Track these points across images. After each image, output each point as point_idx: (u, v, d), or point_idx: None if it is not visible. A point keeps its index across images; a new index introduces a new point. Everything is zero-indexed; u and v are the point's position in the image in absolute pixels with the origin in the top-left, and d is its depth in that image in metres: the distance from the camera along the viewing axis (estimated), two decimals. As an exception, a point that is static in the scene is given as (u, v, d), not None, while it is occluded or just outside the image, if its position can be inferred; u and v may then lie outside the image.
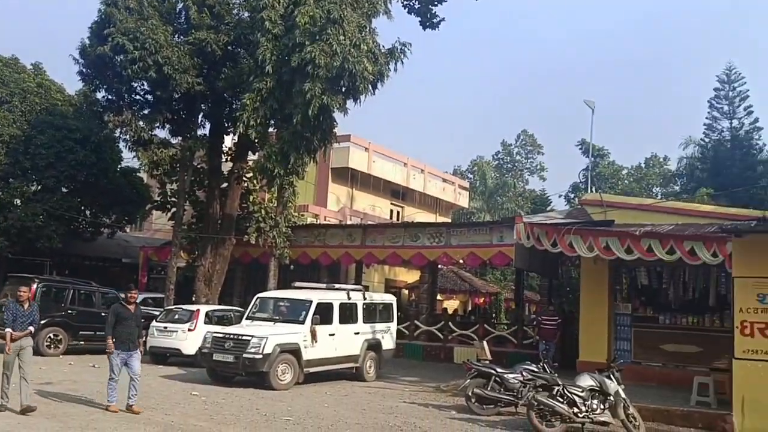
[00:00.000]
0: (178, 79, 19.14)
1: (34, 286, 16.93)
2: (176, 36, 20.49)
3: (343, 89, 18.64)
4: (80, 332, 18.06)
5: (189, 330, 17.10)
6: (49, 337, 17.40)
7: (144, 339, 10.72)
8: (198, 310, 17.89)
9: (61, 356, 17.31)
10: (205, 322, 17.24)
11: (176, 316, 17.89)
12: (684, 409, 11.99)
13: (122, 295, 11.89)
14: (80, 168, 24.11)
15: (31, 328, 9.97)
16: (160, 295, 23.28)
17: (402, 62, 19.30)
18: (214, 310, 18.50)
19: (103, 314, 18.56)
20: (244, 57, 19.77)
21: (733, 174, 40.35)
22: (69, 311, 18.01)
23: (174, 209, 24.29)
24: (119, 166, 26.72)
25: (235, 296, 25.63)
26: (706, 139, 46.71)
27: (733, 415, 11.21)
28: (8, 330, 9.70)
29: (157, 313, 19.33)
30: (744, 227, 12.24)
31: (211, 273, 22.17)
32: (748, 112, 45.19)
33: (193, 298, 21.98)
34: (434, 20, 17.31)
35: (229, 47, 20.40)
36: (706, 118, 47.22)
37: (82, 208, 26.09)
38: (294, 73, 18.36)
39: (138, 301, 11.02)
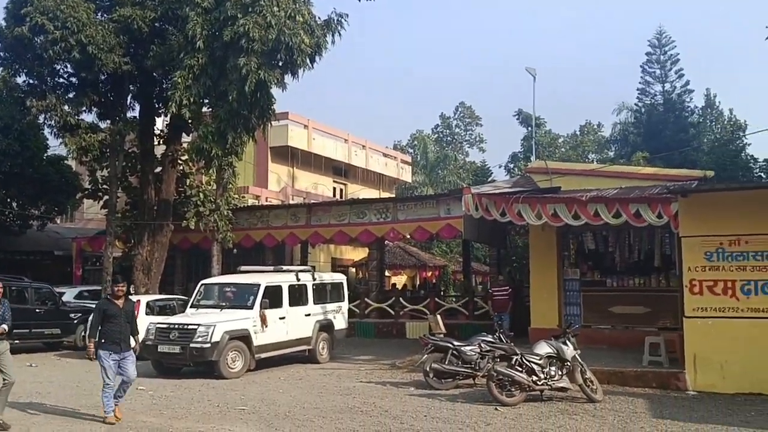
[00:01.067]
0: (104, 59, 18.08)
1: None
2: (99, 14, 19.36)
3: (280, 63, 17.99)
4: (13, 331, 17.03)
5: (130, 322, 16.37)
6: (-21, 337, 16.37)
7: (138, 336, 9.39)
8: (138, 300, 17.07)
9: (-7, 358, 16.33)
10: (147, 313, 16.58)
11: (116, 309, 17.09)
12: (638, 370, 12.16)
13: (110, 291, 10.32)
14: (3, 158, 22.71)
15: (5, 326, 8.81)
16: (97, 288, 22.35)
17: (339, 34, 18.76)
18: (156, 300, 17.84)
19: (37, 310, 17.83)
20: (173, 33, 18.75)
21: (666, 137, 41.51)
22: (0, 309, 16.97)
23: (106, 197, 23.23)
24: (45, 155, 25.33)
25: (176, 284, 24.86)
26: (640, 104, 47.85)
27: (685, 372, 11.41)
28: None
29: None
30: (689, 187, 12.41)
31: (150, 261, 21.32)
32: (679, 76, 46.47)
33: (132, 289, 21.11)
34: (368, -10, 16.84)
35: (156, 23, 19.35)
36: (639, 83, 48.38)
37: (8, 200, 24.69)
38: (227, 48, 17.58)
39: (126, 293, 9.51)
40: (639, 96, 48.15)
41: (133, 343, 9.28)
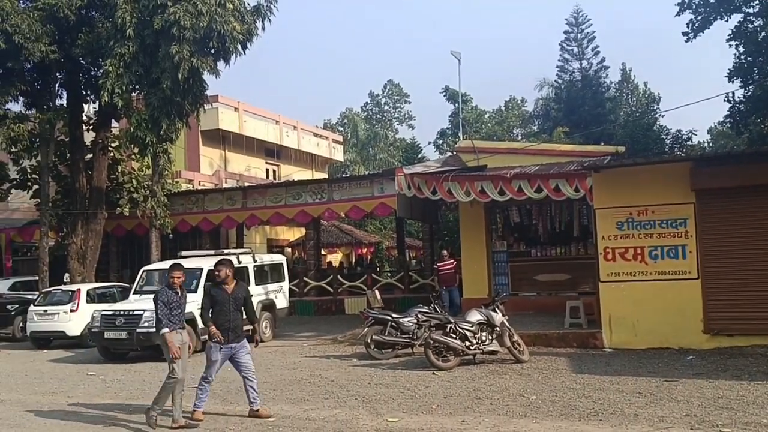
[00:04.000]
0: (31, 48, 17.80)
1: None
2: (23, 2, 18.99)
3: (212, 51, 18.18)
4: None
5: (71, 311, 16.55)
6: None
7: (257, 325, 8.76)
8: (78, 289, 17.24)
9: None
10: (87, 302, 16.73)
11: (55, 298, 17.19)
12: (559, 332, 13.25)
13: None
14: (-76, 151, 21.96)
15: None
16: (31, 278, 22.12)
17: (269, 20, 19.06)
18: (95, 288, 17.91)
19: (-28, 305, 17.63)
20: (101, 21, 18.66)
21: (585, 112, 43.38)
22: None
23: (36, 186, 22.90)
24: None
25: (111, 272, 24.83)
26: (559, 81, 49.63)
27: (602, 331, 12.58)
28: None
29: (33, 296, 18.47)
30: (601, 164, 13.50)
31: (84, 250, 21.25)
32: (596, 53, 48.45)
33: (65, 278, 21.04)
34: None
35: (83, 11, 19.12)
36: (558, 60, 50.16)
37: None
38: (158, 36, 17.65)
39: (234, 277, 8.50)
40: (558, 73, 50.02)
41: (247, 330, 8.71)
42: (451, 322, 11.32)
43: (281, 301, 17.03)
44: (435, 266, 18.17)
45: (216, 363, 8.16)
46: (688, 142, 34.10)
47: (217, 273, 8.35)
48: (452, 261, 17.35)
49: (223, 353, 8.13)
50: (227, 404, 9.14)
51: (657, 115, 37.68)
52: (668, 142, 33.20)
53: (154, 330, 13.00)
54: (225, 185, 28.08)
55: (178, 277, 8.27)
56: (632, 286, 12.44)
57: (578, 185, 13.29)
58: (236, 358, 8.22)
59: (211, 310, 8.19)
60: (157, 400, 8.00)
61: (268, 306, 16.34)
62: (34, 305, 17.09)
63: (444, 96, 54.69)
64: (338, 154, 42.99)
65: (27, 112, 20.74)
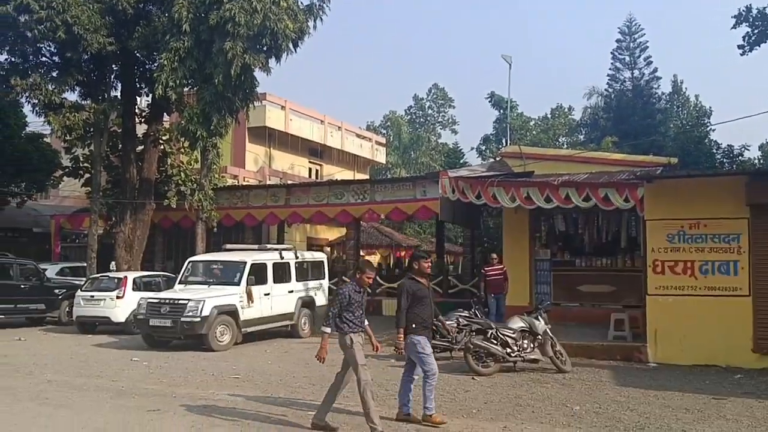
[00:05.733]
0: (89, 39, 18.26)
1: None
2: (84, -7, 19.52)
3: (265, 48, 18.42)
4: (-1, 306, 17.45)
5: (117, 297, 16.88)
6: (-33, 313, 16.77)
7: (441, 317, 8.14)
8: (125, 277, 17.60)
9: (-19, 332, 16.74)
10: (133, 289, 17.04)
11: (102, 285, 17.58)
12: (604, 344, 13.02)
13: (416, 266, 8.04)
14: (-17, 136, 22.80)
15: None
16: (78, 264, 22.68)
17: (321, 19, 19.22)
18: (141, 277, 18.24)
19: (22, 286, 18.15)
20: (158, 15, 19.05)
21: (634, 122, 42.66)
22: (-15, 285, 17.31)
23: (87, 175, 23.48)
24: (24, 132, 25.37)
25: (156, 262, 25.22)
26: (610, 89, 48.94)
27: (647, 345, 12.31)
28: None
29: (80, 282, 18.93)
30: (654, 174, 13.25)
31: (132, 239, 21.69)
32: (648, 63, 47.65)
33: (112, 266, 21.49)
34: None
35: (141, 5, 19.58)
36: (609, 68, 49.48)
37: (-13, 177, 24.72)
38: (213, 31, 17.94)
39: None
40: (609, 81, 49.34)
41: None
42: (492, 328, 11.23)
43: (320, 299, 17.12)
44: (482, 271, 16.80)
45: (431, 355, 7.62)
46: (739, 157, 33.23)
47: (425, 265, 7.87)
48: (502, 266, 16.26)
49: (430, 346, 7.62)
50: (268, 394, 9.19)
51: (708, 129, 36.81)
52: (719, 156, 32.41)
53: (198, 320, 13.41)
54: (268, 182, 28.36)
55: (370, 278, 7.65)
56: (680, 301, 12.16)
57: (628, 195, 13.06)
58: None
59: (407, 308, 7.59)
60: (367, 411, 7.22)
61: (308, 302, 16.45)
62: (81, 290, 17.50)
63: (489, 102, 54.33)
64: (380, 156, 43.08)
65: (82, 102, 21.27)
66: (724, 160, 32.10)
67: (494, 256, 16.74)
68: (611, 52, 49.03)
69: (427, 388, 7.55)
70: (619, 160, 16.92)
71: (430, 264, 8.01)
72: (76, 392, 9.29)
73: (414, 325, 7.59)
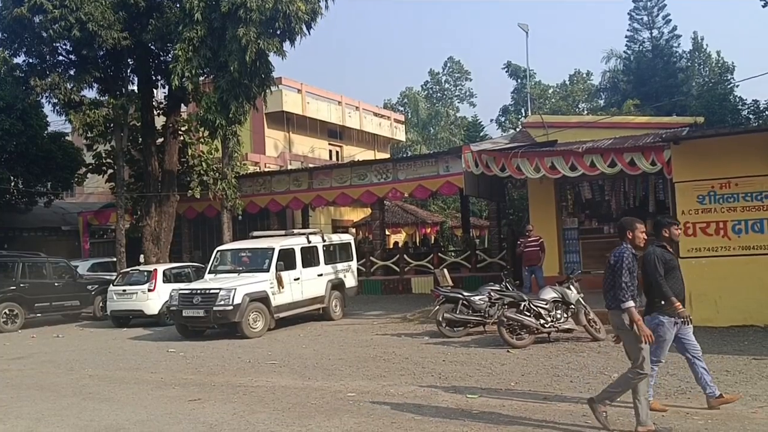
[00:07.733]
0: (104, 35, 18.34)
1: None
2: (95, -10, 19.55)
3: (278, 32, 18.30)
4: (35, 305, 17.76)
5: (149, 290, 17.09)
6: (5, 312, 17.12)
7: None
8: (155, 269, 17.79)
9: (19, 331, 17.08)
10: (164, 281, 17.25)
11: (133, 278, 17.81)
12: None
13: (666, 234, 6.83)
14: (8, 138, 23.05)
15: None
16: (107, 260, 23.02)
17: (333, -1, 19.04)
18: (171, 268, 18.43)
19: (56, 284, 18.44)
20: (170, 6, 19.05)
21: (656, 83, 41.87)
22: (21, 285, 17.61)
23: (111, 171, 23.72)
24: (46, 132, 25.66)
25: (184, 252, 25.49)
26: (628, 51, 48.02)
27: (682, 309, 12.14)
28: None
29: (111, 277, 19.20)
30: (680, 135, 12.98)
31: (158, 231, 21.91)
32: (667, 21, 46.63)
33: (141, 259, 21.75)
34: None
35: (152, -3, 19.61)
36: (627, 30, 48.51)
37: (14, 178, 25.06)
38: (225, 18, 17.88)
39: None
40: (627, 43, 48.40)
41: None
42: (525, 300, 11.17)
43: (350, 280, 17.17)
44: (519, 242, 16.20)
45: (669, 342, 6.58)
46: (766, 112, 32.46)
47: (677, 230, 6.88)
48: (538, 237, 15.60)
49: (677, 327, 6.50)
50: (305, 378, 9.24)
51: (732, 85, 36.00)
52: (745, 112, 31.69)
53: (230, 308, 13.51)
54: (290, 167, 28.41)
55: (644, 232, 6.35)
56: (714, 262, 11.95)
57: (655, 158, 12.85)
58: (682, 335, 6.63)
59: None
60: (610, 394, 6.24)
61: (337, 285, 16.50)
62: (113, 285, 17.76)
63: (506, 72, 53.80)
64: (400, 134, 42.92)
65: (101, 99, 21.42)
66: (751, 116, 31.39)
67: (530, 227, 16.13)
68: (628, 13, 48.05)
69: (654, 372, 6.63)
70: (643, 123, 16.66)
71: (679, 231, 7.01)
72: (117, 385, 9.44)
73: (662, 302, 6.38)
